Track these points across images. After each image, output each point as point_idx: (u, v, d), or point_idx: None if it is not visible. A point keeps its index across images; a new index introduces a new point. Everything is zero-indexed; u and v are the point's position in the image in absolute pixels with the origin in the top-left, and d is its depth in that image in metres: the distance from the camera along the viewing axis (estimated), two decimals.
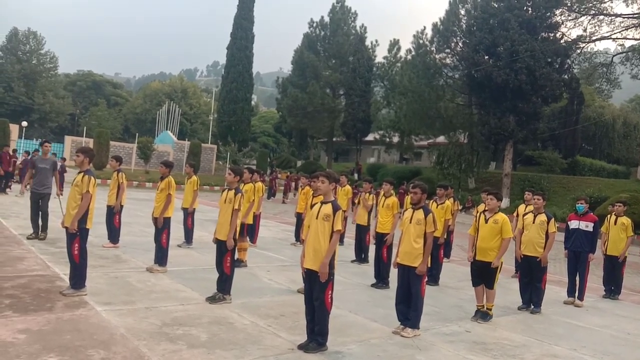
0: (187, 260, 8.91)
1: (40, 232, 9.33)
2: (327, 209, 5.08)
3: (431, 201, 9.24)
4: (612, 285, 9.30)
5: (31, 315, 5.19)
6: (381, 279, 8.31)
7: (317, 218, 5.10)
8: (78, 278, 6.10)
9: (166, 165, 8.51)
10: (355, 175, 39.22)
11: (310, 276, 5.08)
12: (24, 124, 36.46)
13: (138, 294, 6.43)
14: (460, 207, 18.51)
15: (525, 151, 40.14)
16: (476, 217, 7.17)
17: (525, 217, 8.09)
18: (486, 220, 6.83)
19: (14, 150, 20.41)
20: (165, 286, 6.98)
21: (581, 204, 8.64)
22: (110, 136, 37.06)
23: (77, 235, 6.09)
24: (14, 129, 32.78)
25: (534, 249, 7.67)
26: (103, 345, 4.57)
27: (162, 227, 7.88)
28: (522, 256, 7.84)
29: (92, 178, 6.19)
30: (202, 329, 5.30)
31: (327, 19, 45.11)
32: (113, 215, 9.40)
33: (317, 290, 5.01)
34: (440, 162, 34.20)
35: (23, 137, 36.01)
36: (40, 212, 9.37)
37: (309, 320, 5.09)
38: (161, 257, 7.83)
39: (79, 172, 6.30)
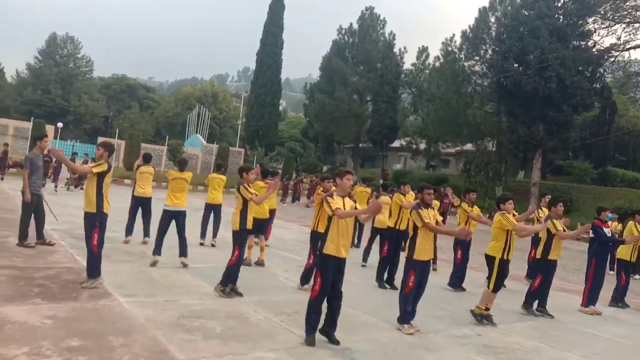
0: (209, 257, 9.15)
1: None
2: (351, 202, 5.49)
3: (465, 203, 9.34)
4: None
5: (58, 304, 5.48)
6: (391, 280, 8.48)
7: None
8: (95, 267, 6.37)
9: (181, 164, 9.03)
10: (381, 181, 39.21)
11: (342, 264, 5.32)
12: (60, 125, 37.62)
13: (160, 288, 6.70)
14: (487, 216, 18.42)
15: (556, 160, 39.47)
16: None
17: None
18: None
19: (49, 150, 21.18)
20: (186, 282, 7.24)
21: (611, 213, 8.75)
22: (142, 138, 37.94)
23: (97, 225, 6.38)
24: (49, 129, 33.89)
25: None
26: (123, 333, 4.82)
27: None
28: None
29: (105, 163, 6.42)
30: (217, 322, 5.51)
31: (355, 25, 45.36)
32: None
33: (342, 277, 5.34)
34: (468, 169, 33.94)
35: (58, 138, 37.18)
36: (35, 216, 8.53)
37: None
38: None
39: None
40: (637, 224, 9.29)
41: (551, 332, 6.89)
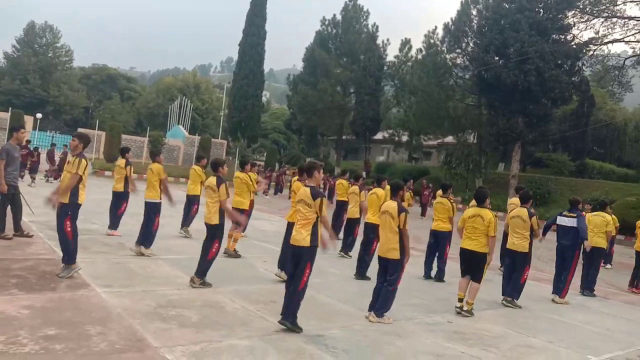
0: (189, 249, 9.21)
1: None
2: None
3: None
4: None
5: (35, 294, 5.55)
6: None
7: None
8: (70, 254, 6.43)
9: (154, 154, 9.18)
10: (364, 174, 39.45)
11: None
12: (39, 115, 37.16)
13: (138, 279, 6.79)
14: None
15: (535, 153, 40.10)
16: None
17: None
18: None
19: (28, 141, 20.95)
20: (165, 272, 7.33)
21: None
22: (123, 129, 37.65)
23: (69, 214, 6.41)
24: (28, 120, 33.47)
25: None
26: (100, 322, 4.92)
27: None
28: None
29: (84, 160, 6.46)
30: (194, 311, 5.63)
31: (339, 17, 45.32)
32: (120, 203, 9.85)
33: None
34: (449, 161, 34.31)
35: (37, 129, 36.73)
36: (13, 208, 8.50)
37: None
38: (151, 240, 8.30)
39: (73, 156, 6.64)
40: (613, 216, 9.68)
41: (519, 320, 7.13)
